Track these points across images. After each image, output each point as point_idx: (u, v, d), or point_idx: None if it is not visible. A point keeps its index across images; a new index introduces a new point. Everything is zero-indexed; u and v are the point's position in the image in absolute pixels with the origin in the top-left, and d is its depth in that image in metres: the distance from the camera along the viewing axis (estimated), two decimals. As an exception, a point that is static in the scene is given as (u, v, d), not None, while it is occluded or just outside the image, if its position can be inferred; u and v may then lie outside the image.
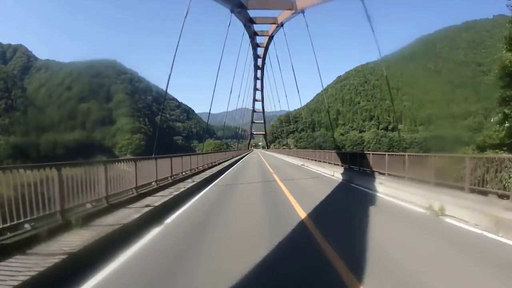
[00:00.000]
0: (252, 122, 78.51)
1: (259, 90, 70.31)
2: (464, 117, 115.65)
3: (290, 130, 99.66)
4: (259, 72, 65.63)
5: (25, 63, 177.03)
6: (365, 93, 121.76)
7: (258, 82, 68.70)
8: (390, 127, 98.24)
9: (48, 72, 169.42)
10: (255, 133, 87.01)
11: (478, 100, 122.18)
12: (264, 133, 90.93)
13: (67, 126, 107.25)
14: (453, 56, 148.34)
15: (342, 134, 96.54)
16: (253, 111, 75.06)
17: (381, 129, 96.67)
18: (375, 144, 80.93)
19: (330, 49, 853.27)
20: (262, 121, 78.51)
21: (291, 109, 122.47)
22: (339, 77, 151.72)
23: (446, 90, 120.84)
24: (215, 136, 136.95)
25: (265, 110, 75.77)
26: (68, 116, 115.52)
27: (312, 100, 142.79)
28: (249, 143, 79.79)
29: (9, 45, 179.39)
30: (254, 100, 72.86)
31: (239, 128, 77.71)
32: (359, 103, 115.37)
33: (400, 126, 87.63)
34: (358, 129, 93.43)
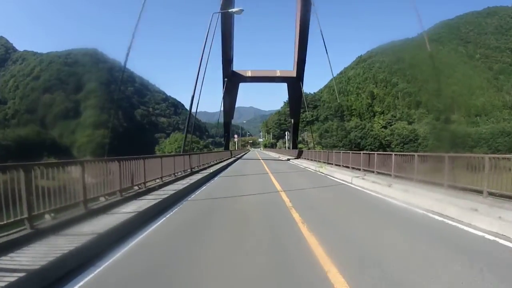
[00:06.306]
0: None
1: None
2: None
3: (308, 119, 65.09)
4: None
5: (2, 55, 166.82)
6: (402, 73, 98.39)
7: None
8: (443, 117, 75.27)
9: (23, 63, 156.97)
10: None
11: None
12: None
13: (21, 120, 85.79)
14: (483, 41, 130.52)
15: (384, 127, 70.21)
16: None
17: (432, 120, 72.57)
18: (433, 140, 57.95)
19: (344, 28, 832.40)
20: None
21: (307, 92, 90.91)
22: (360, 56, 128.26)
23: (488, 76, 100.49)
24: (207, 133, 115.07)
25: (263, 109, 47.68)
26: (26, 109, 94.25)
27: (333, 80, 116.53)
28: (226, 139, 33.66)
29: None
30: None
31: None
32: (397, 84, 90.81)
33: (453, 117, 65.09)
34: (404, 119, 68.95)
